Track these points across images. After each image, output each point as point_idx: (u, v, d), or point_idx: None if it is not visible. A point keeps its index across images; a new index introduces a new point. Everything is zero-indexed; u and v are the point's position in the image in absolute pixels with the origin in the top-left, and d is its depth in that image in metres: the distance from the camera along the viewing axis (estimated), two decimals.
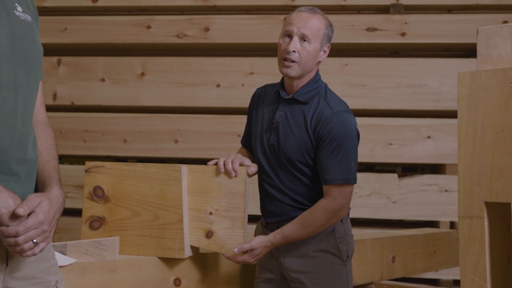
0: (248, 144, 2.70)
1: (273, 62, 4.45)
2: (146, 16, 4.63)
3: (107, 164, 2.45)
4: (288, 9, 4.57)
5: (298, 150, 2.44)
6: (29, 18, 1.76)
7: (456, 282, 4.38)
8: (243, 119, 4.45)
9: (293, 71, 2.44)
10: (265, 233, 2.57)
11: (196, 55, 4.70)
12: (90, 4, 4.63)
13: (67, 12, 4.71)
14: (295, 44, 2.42)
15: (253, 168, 2.48)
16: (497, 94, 1.80)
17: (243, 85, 4.50)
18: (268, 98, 2.58)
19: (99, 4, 4.63)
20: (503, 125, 1.78)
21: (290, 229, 2.43)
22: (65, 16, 4.66)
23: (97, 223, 2.45)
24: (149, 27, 4.59)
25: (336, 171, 2.39)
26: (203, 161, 4.47)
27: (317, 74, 2.53)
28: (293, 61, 2.42)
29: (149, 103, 4.58)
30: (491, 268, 1.82)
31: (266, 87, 2.66)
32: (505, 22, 4.31)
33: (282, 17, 4.50)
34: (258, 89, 2.69)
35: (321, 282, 2.47)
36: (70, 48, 4.74)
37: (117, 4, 4.64)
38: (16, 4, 1.73)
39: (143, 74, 4.57)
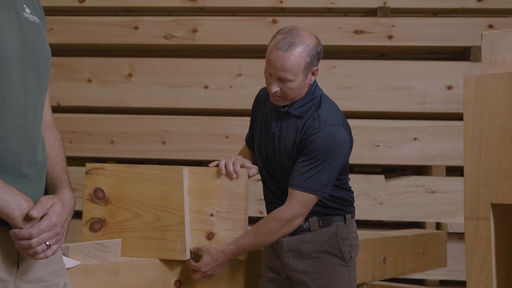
0: (252, 143, 2.72)
1: (261, 63, 4.46)
2: (133, 17, 4.62)
3: (107, 165, 2.44)
4: (276, 11, 4.60)
5: (290, 161, 2.46)
6: (37, 20, 1.76)
7: (442, 282, 4.44)
8: (231, 121, 4.51)
9: (282, 102, 2.46)
10: None
11: (183, 56, 4.69)
12: (76, 4, 4.60)
13: (54, 12, 4.67)
14: (276, 85, 2.39)
15: (254, 170, 2.49)
16: (503, 97, 1.83)
17: (231, 86, 4.50)
18: (269, 104, 2.58)
19: (85, 4, 4.60)
20: (509, 128, 1.81)
21: (243, 238, 2.43)
22: (52, 16, 4.62)
23: (97, 225, 2.44)
24: (136, 27, 4.58)
25: (303, 178, 2.38)
26: (191, 163, 4.51)
27: (313, 84, 2.50)
28: (278, 96, 2.43)
29: (136, 104, 4.56)
30: (496, 269, 1.85)
31: None
32: (490, 25, 4.38)
33: (270, 18, 4.52)
34: (261, 90, 2.69)
35: (323, 282, 2.49)
36: (56, 48, 4.69)
37: (104, 5, 4.62)
38: (24, 6, 1.72)
39: (130, 75, 4.55)
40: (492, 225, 1.84)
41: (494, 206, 1.84)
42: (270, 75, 2.40)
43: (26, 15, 1.70)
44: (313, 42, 2.39)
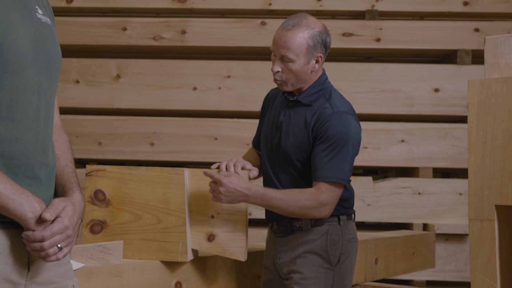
0: (258, 144, 2.71)
1: (250, 65, 4.52)
2: (121, 18, 4.60)
3: (108, 167, 2.43)
4: (265, 13, 4.62)
5: (296, 148, 2.45)
6: (49, 20, 1.75)
7: (429, 283, 4.48)
8: (219, 122, 4.52)
9: (284, 87, 2.49)
10: (272, 235, 2.61)
11: (172, 58, 4.70)
12: (64, 4, 4.58)
13: None
14: (278, 65, 2.43)
15: (255, 172, 2.50)
16: (507, 101, 1.86)
17: (219, 88, 4.51)
18: (278, 100, 2.61)
19: (73, 5, 4.58)
20: None
21: (272, 192, 2.38)
22: None
23: (98, 227, 2.43)
24: (124, 29, 4.56)
25: (326, 168, 2.37)
26: (180, 164, 4.50)
27: (323, 75, 2.53)
28: (279, 80, 2.46)
29: (125, 105, 4.55)
30: (500, 269, 1.88)
31: (278, 88, 2.65)
32: (477, 29, 4.45)
33: (258, 21, 4.54)
34: (271, 90, 2.72)
35: (303, 282, 2.45)
36: None
37: (92, 5, 4.60)
38: (36, 7, 1.71)
39: (118, 76, 4.53)
40: (496, 226, 1.87)
41: (498, 208, 1.87)
42: (274, 55, 2.45)
43: (38, 15, 1.69)
44: (318, 28, 2.43)
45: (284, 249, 2.52)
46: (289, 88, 2.48)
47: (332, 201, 2.39)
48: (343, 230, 2.52)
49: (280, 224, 2.54)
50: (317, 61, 2.45)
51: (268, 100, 2.69)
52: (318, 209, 2.37)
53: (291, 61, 2.40)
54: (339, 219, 2.52)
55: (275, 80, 2.47)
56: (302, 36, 2.39)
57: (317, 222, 2.49)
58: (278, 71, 2.43)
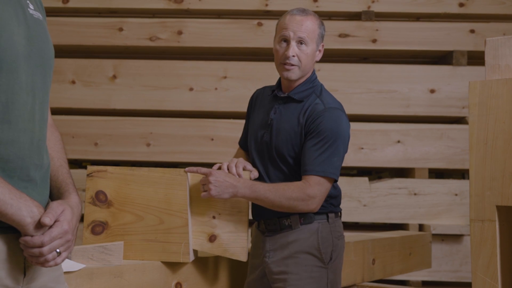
0: (245, 145, 2.72)
1: (246, 66, 4.53)
2: (117, 18, 4.60)
3: (110, 168, 2.43)
4: (261, 14, 4.62)
5: (288, 144, 2.47)
6: (40, 16, 1.67)
7: (425, 283, 4.50)
8: (215, 123, 4.53)
9: (294, 74, 2.49)
10: (259, 234, 2.60)
11: (168, 59, 4.70)
12: (60, 5, 4.57)
13: None
14: (293, 48, 2.46)
15: (255, 172, 2.50)
16: (508, 102, 1.87)
17: (216, 89, 4.52)
18: (266, 98, 2.63)
19: (69, 5, 4.57)
20: None
21: (261, 184, 2.41)
22: None
23: (99, 228, 2.43)
24: (121, 29, 4.56)
25: (316, 162, 2.39)
26: (176, 165, 4.50)
27: (314, 73, 2.57)
28: (293, 65, 2.47)
29: (121, 106, 4.55)
30: (501, 269, 1.89)
31: (264, 88, 2.71)
32: (472, 30, 4.47)
33: (255, 21, 4.55)
34: (257, 90, 2.75)
35: (298, 283, 2.44)
36: None
37: (88, 6, 4.60)
38: (28, 1, 1.64)
39: (114, 76, 4.53)
40: (497, 226, 1.88)
41: (499, 209, 1.88)
42: (284, 41, 2.48)
43: (31, 11, 1.62)
44: (321, 21, 2.55)
45: (274, 248, 2.51)
46: (297, 75, 2.50)
47: (319, 194, 2.40)
48: (332, 228, 2.53)
49: (268, 222, 2.53)
50: (320, 51, 2.54)
51: (254, 100, 2.71)
52: (305, 202, 2.39)
53: (307, 43, 2.46)
54: (327, 216, 2.53)
55: (290, 65, 2.47)
56: (314, 22, 2.50)
57: (306, 220, 2.49)
58: (293, 56, 2.46)
